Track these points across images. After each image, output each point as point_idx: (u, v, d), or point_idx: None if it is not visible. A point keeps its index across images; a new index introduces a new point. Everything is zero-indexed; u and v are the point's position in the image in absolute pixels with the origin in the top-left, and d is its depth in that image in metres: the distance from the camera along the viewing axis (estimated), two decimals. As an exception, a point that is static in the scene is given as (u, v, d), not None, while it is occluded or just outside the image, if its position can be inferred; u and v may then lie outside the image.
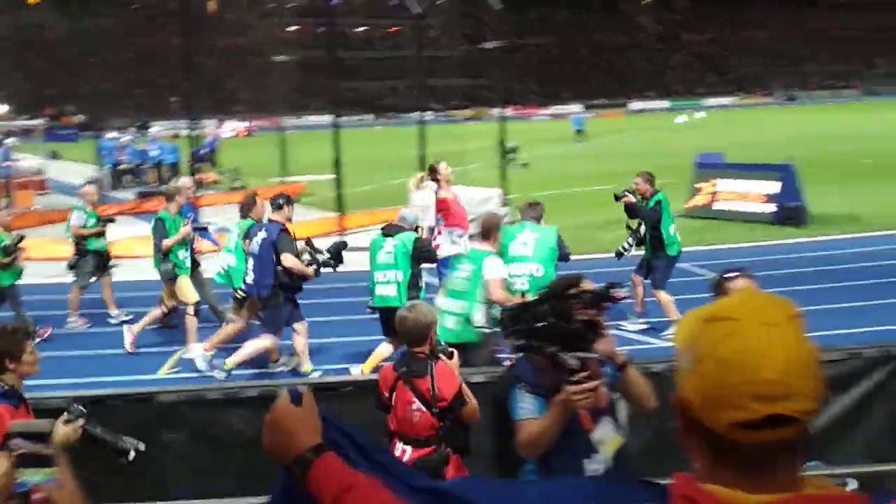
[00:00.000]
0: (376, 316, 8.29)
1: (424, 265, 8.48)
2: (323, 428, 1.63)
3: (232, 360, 8.41)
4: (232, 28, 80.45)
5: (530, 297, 5.63)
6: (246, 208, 9.36)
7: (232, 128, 57.18)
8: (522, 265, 7.51)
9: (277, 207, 8.52)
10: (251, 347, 8.49)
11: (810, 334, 1.25)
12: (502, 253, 7.18)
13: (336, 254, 8.64)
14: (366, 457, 1.65)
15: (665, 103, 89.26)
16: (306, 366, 8.59)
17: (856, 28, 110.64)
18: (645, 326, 9.47)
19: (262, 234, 8.35)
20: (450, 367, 4.61)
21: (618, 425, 3.40)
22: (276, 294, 8.27)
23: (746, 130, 45.77)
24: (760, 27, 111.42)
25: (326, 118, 20.15)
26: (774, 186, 16.38)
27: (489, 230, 6.96)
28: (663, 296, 9.20)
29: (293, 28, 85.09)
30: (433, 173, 10.66)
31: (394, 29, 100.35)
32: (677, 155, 27.00)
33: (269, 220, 8.61)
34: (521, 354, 3.44)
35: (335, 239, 11.39)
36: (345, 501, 1.51)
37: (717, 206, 17.39)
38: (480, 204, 15.75)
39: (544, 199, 9.76)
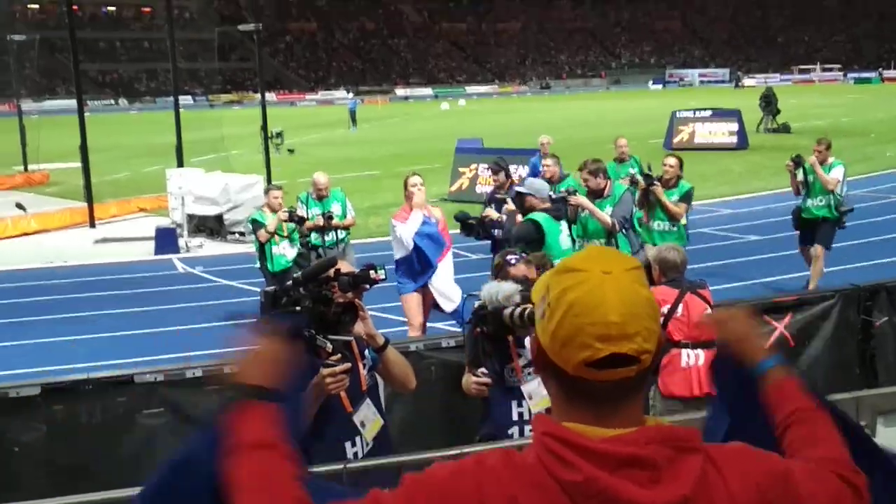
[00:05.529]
0: None
1: None
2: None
3: None
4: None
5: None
6: None
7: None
8: None
9: None
10: None
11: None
12: None
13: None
14: None
15: (429, 90, 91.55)
16: None
17: (601, 22, 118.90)
18: None
19: None
20: None
21: (378, 407, 3.39)
22: None
23: (503, 117, 47.85)
24: (513, 19, 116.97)
25: (72, 102, 18.74)
26: (525, 172, 17.16)
27: None
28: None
29: (34, 5, 78.63)
30: None
31: (146, 9, 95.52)
32: (440, 140, 27.68)
33: None
34: None
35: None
36: (249, 457, 1.45)
37: (478, 189, 18.03)
38: (243, 190, 15.28)
39: (308, 186, 9.60)
